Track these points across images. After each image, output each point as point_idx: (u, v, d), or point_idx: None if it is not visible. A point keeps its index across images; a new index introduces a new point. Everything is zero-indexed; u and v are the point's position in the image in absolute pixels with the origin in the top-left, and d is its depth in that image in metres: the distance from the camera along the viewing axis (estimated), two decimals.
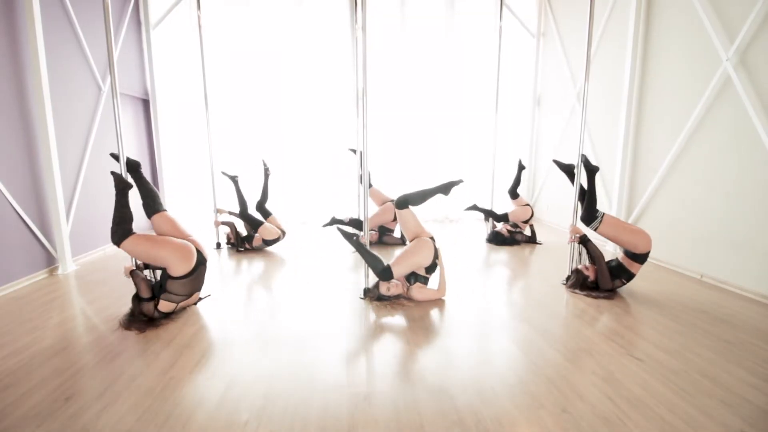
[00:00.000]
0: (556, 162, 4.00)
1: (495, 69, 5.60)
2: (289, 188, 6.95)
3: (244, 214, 5.12)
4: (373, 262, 3.31)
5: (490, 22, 6.65)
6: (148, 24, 6.25)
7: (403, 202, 3.46)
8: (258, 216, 5.21)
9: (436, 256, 3.43)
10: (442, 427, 1.88)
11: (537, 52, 6.97)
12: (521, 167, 5.72)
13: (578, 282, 3.62)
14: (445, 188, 3.54)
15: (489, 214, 5.69)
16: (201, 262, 3.10)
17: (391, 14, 6.67)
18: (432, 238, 3.48)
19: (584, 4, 3.55)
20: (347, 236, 3.43)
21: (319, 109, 6.78)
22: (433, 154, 7.12)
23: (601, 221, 3.46)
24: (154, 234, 3.08)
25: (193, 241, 3.14)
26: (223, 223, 5.26)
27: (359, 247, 3.38)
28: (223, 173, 5.32)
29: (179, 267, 2.92)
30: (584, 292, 3.53)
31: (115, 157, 3.11)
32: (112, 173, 2.99)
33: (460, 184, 3.59)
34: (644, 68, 4.66)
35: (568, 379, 2.26)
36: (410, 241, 3.51)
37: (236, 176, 5.25)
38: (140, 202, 3.12)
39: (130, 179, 3.09)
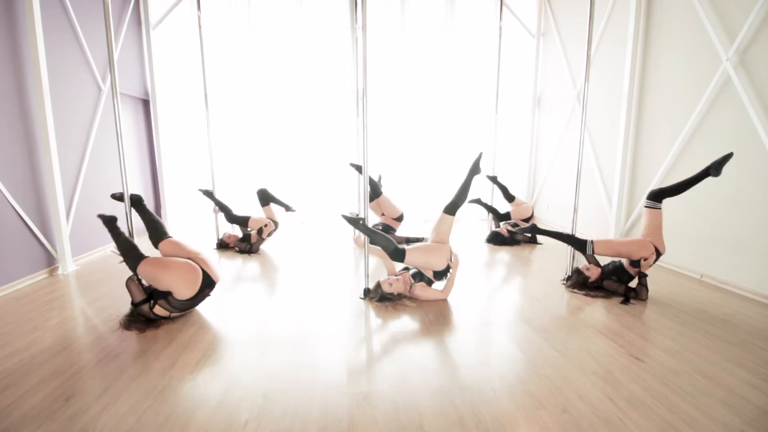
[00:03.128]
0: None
1: (495, 69, 5.60)
2: (289, 188, 6.95)
3: (230, 217, 5.16)
4: (383, 242, 3.29)
5: (490, 22, 6.66)
6: (148, 24, 6.25)
7: (452, 207, 3.46)
8: (241, 214, 5.28)
9: (449, 265, 3.44)
10: (442, 427, 1.88)
11: (537, 52, 6.96)
12: (493, 179, 5.85)
13: (579, 282, 3.62)
14: (474, 169, 3.61)
15: (491, 211, 5.72)
16: (208, 285, 3.07)
17: (392, 14, 6.67)
18: (452, 251, 3.50)
19: (584, 4, 3.55)
20: (353, 221, 3.44)
21: (320, 109, 6.78)
22: (433, 154, 7.11)
23: (593, 247, 3.56)
24: (161, 257, 3.07)
25: (203, 261, 3.09)
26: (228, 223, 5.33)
27: (367, 229, 3.38)
28: (200, 190, 5.39)
29: (183, 292, 2.92)
30: (583, 292, 3.54)
31: (117, 197, 3.32)
32: (99, 216, 3.18)
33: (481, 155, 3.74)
34: (644, 68, 4.66)
35: (568, 379, 2.26)
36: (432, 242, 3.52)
37: (210, 190, 5.31)
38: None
39: (133, 212, 3.30)
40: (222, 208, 5.19)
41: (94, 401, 2.08)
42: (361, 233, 3.69)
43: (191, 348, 2.64)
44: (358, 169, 5.14)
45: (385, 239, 3.31)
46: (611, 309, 3.25)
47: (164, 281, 2.86)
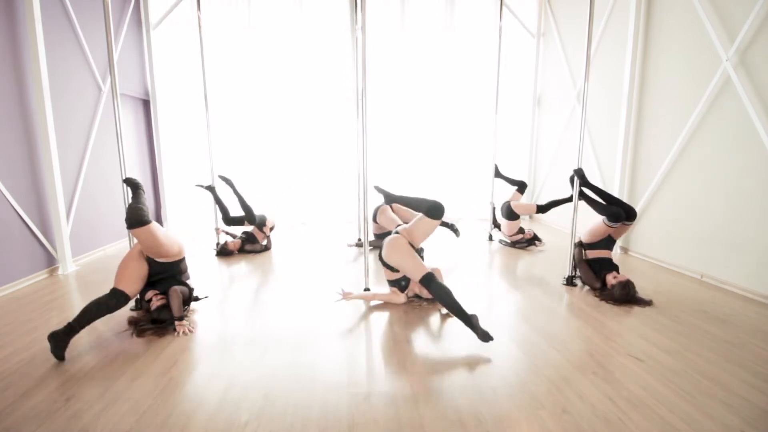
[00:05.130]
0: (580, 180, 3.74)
1: (495, 69, 5.59)
2: (289, 189, 6.95)
3: (228, 219, 5.09)
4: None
5: (490, 22, 6.66)
6: (148, 24, 6.25)
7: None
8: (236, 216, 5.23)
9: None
10: (442, 427, 1.88)
11: (537, 52, 6.96)
12: (498, 173, 5.62)
13: (632, 295, 3.33)
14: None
15: (518, 184, 5.51)
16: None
17: (392, 14, 6.67)
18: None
19: (584, 4, 3.55)
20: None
21: (320, 109, 6.78)
22: (433, 155, 7.11)
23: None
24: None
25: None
26: (227, 233, 5.31)
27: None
28: (198, 185, 5.24)
29: (179, 250, 3.12)
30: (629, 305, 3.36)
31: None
32: (125, 180, 3.18)
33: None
34: (644, 68, 4.66)
35: (568, 379, 2.26)
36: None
37: (212, 186, 5.17)
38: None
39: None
40: (221, 207, 5.11)
41: (94, 401, 2.08)
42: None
43: (191, 348, 2.64)
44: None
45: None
46: (611, 309, 3.24)
47: (167, 243, 3.01)
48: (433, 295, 2.79)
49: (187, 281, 3.20)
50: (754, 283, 3.50)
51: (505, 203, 5.35)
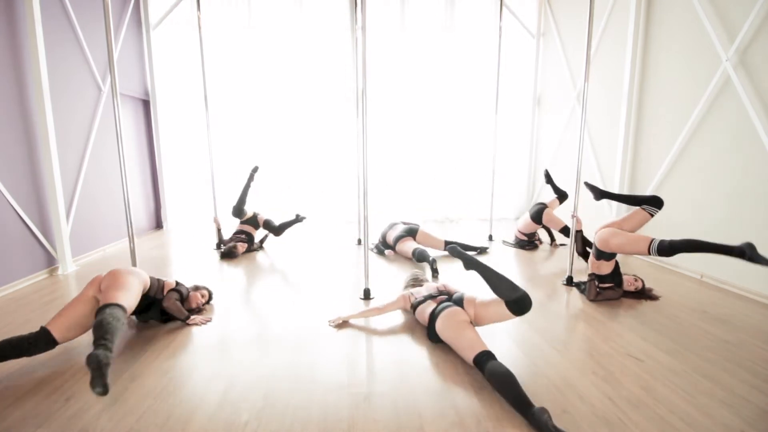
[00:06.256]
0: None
1: (495, 69, 5.59)
2: (289, 188, 6.95)
3: (239, 211, 5.12)
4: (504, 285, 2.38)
5: (490, 22, 6.66)
6: (148, 24, 6.25)
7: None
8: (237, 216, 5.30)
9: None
10: (442, 428, 1.88)
11: (537, 52, 6.97)
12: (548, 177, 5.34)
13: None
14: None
15: (560, 193, 5.26)
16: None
17: (392, 14, 6.67)
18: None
19: (584, 4, 3.55)
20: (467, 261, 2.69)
21: (320, 109, 6.78)
22: (433, 155, 7.11)
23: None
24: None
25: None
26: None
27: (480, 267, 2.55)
28: (256, 167, 5.30)
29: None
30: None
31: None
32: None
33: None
34: (644, 68, 4.66)
35: (568, 379, 2.26)
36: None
37: (253, 175, 5.25)
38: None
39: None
40: (242, 195, 5.14)
41: (94, 401, 2.08)
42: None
43: (191, 348, 2.64)
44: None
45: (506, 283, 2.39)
46: (611, 309, 3.25)
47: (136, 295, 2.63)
48: (489, 381, 2.12)
49: (163, 291, 2.94)
50: (754, 283, 3.50)
51: (539, 205, 5.14)
